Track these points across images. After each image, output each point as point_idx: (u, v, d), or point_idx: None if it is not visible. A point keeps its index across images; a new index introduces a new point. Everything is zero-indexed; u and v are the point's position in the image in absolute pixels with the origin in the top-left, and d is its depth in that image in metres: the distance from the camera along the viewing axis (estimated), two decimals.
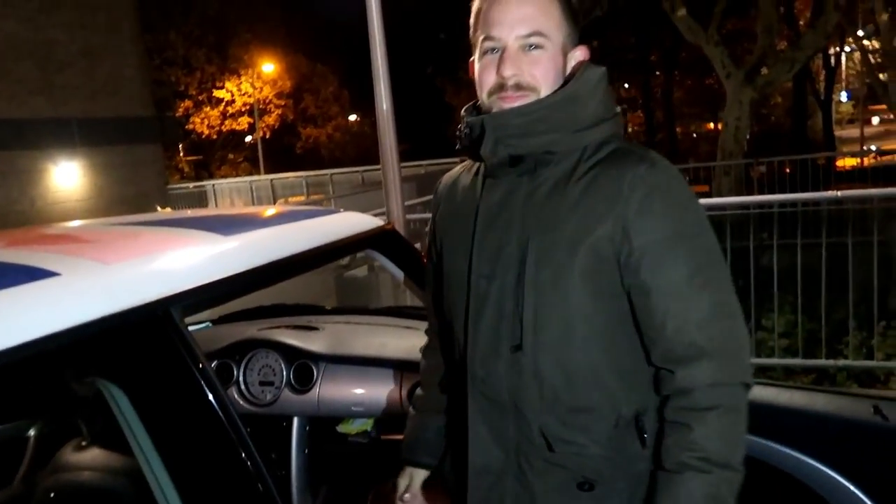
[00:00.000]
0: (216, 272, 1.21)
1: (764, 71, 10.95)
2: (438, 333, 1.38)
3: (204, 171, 28.70)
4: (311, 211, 1.81)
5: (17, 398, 1.29)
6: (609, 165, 1.09)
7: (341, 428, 2.11)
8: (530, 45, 1.11)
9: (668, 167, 1.10)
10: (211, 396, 1.07)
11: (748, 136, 11.49)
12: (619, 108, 1.17)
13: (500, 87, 1.12)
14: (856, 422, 1.42)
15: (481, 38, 1.14)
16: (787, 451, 1.40)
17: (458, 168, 1.32)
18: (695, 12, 11.14)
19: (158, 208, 10.28)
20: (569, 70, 1.16)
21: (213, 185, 19.20)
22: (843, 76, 33.53)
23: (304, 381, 2.01)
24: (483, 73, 1.15)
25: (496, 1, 1.13)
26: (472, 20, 1.18)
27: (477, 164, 1.23)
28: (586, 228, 1.06)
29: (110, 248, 1.22)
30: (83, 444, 1.80)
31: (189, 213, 1.96)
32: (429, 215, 1.58)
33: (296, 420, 2.11)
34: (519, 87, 1.11)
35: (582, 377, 1.09)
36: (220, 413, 1.07)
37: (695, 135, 32.96)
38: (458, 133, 1.18)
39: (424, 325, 1.54)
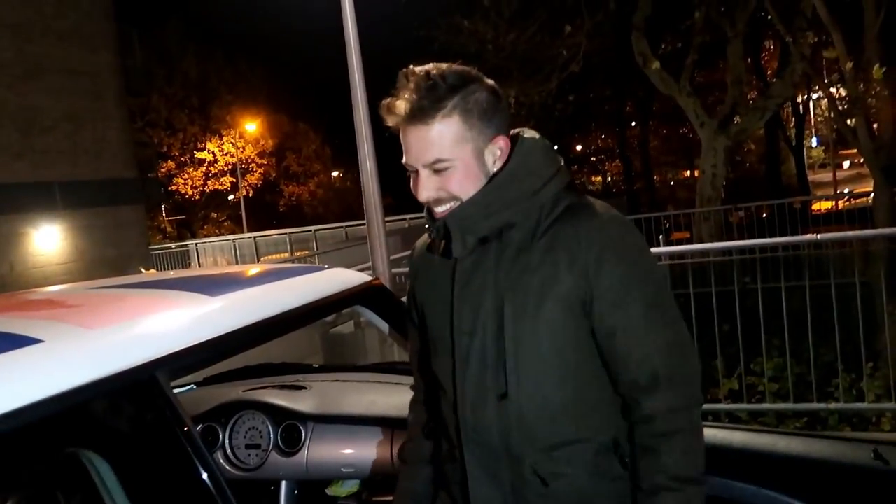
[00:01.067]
0: (203, 334, 1.19)
1: (736, 119, 11.26)
2: (425, 388, 1.44)
3: (186, 230, 28.65)
4: (299, 268, 1.80)
5: None
6: (565, 223, 1.19)
7: (331, 490, 2.05)
8: (437, 169, 1.21)
9: (618, 219, 1.21)
10: (198, 464, 1.04)
11: (724, 183, 11.72)
12: (561, 161, 1.26)
13: (426, 202, 1.24)
14: (856, 467, 1.40)
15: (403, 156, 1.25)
16: (789, 500, 1.37)
17: (427, 234, 1.42)
18: (667, 65, 11.51)
19: (143, 270, 10.17)
20: (494, 161, 1.23)
21: (196, 245, 19.10)
22: (813, 122, 34.55)
23: (291, 443, 1.96)
24: (413, 186, 1.25)
25: (402, 132, 1.22)
26: None
27: None
28: (553, 282, 1.17)
29: (94, 313, 1.20)
30: None
31: (174, 274, 1.93)
32: None
33: (283, 483, 2.05)
34: (439, 201, 1.23)
35: (561, 414, 1.20)
36: (209, 482, 1.04)
37: (672, 182, 33.58)
38: (428, 233, 1.31)
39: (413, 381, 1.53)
